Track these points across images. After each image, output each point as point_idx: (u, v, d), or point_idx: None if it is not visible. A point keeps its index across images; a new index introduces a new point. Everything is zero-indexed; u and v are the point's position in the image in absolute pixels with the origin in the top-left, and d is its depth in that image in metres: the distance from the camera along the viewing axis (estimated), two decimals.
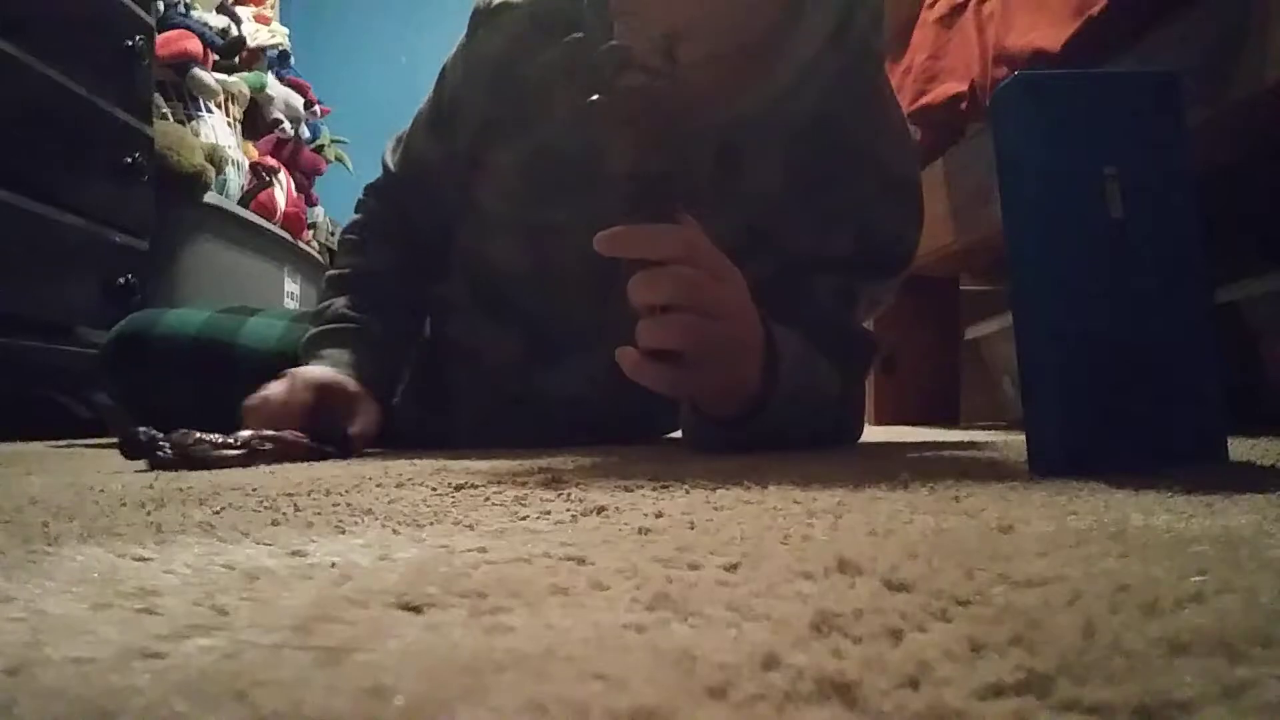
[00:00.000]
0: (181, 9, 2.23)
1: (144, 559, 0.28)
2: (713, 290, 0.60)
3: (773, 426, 0.69)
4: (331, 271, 1.02)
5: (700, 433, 0.77)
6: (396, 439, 1.05)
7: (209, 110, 2.19)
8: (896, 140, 0.88)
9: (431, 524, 0.35)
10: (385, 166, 1.03)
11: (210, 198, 2.03)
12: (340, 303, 0.96)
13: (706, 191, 0.83)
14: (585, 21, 0.83)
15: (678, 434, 1.20)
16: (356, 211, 1.06)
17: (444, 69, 0.97)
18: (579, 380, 0.94)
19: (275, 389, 0.80)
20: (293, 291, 2.47)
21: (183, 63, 2.12)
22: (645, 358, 0.60)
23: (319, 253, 2.69)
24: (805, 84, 0.79)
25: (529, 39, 0.88)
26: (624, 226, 0.59)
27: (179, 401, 1.03)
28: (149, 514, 0.38)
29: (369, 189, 1.05)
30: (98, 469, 0.68)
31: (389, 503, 0.42)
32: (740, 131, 0.82)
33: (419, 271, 1.01)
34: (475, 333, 0.99)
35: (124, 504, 0.42)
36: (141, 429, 0.70)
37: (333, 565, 0.26)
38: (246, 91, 2.36)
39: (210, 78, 2.19)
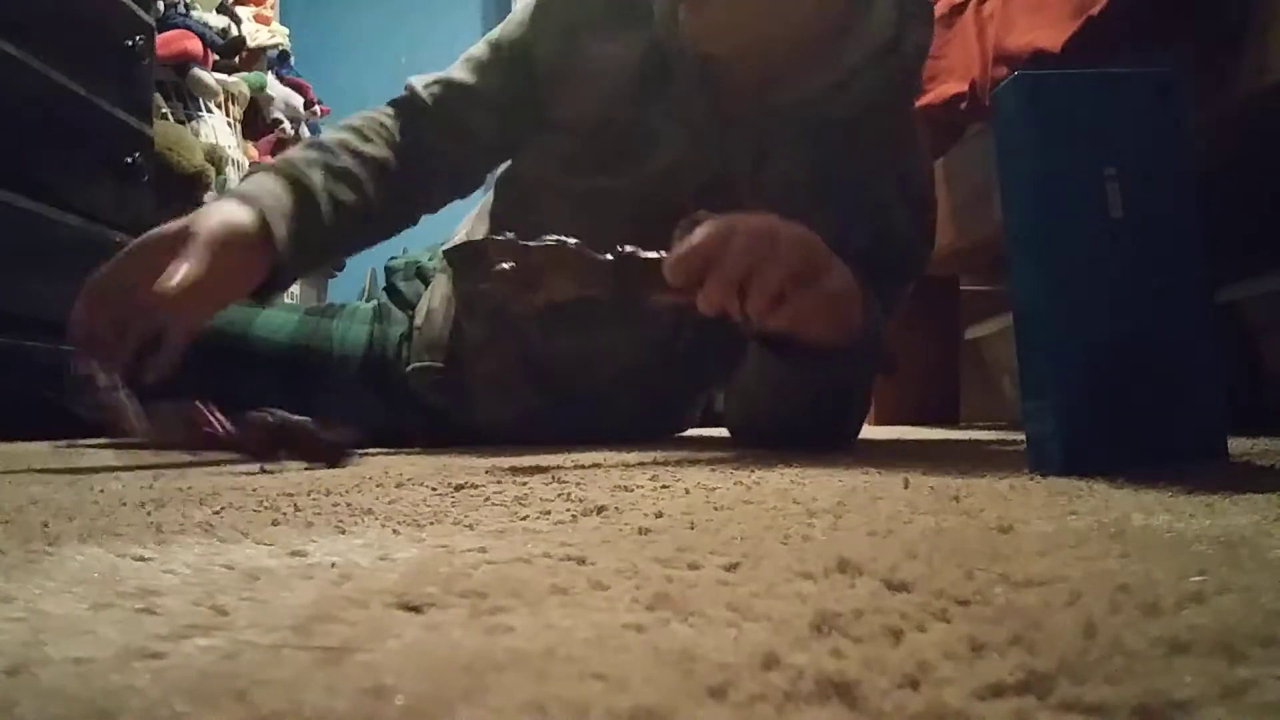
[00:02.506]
0: (181, 9, 2.23)
1: (144, 559, 0.28)
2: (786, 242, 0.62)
3: (862, 363, 0.72)
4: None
5: (786, 381, 0.77)
6: (412, 409, 1.05)
7: (209, 110, 2.19)
8: (920, 162, 0.93)
9: (431, 524, 0.35)
10: (412, 90, 0.96)
11: (210, 198, 2.03)
12: (297, 153, 0.88)
13: (739, 177, 0.86)
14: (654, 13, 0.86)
15: (684, 433, 1.20)
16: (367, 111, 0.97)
17: (510, 17, 0.97)
18: (599, 350, 0.95)
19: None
20: (292, 291, 2.47)
21: (183, 63, 2.12)
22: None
23: None
24: (845, 89, 0.83)
25: (600, 15, 0.90)
26: (679, 252, 0.60)
27: (190, 391, 1.02)
28: (149, 514, 0.38)
29: (391, 101, 0.97)
30: (98, 469, 0.68)
31: (389, 503, 0.42)
32: (778, 122, 0.85)
33: (398, 185, 0.92)
34: None
35: (124, 504, 0.42)
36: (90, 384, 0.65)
37: (333, 565, 0.26)
38: (246, 91, 2.36)
39: (210, 78, 2.19)
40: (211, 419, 0.65)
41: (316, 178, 0.84)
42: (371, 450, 0.94)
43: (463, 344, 1.01)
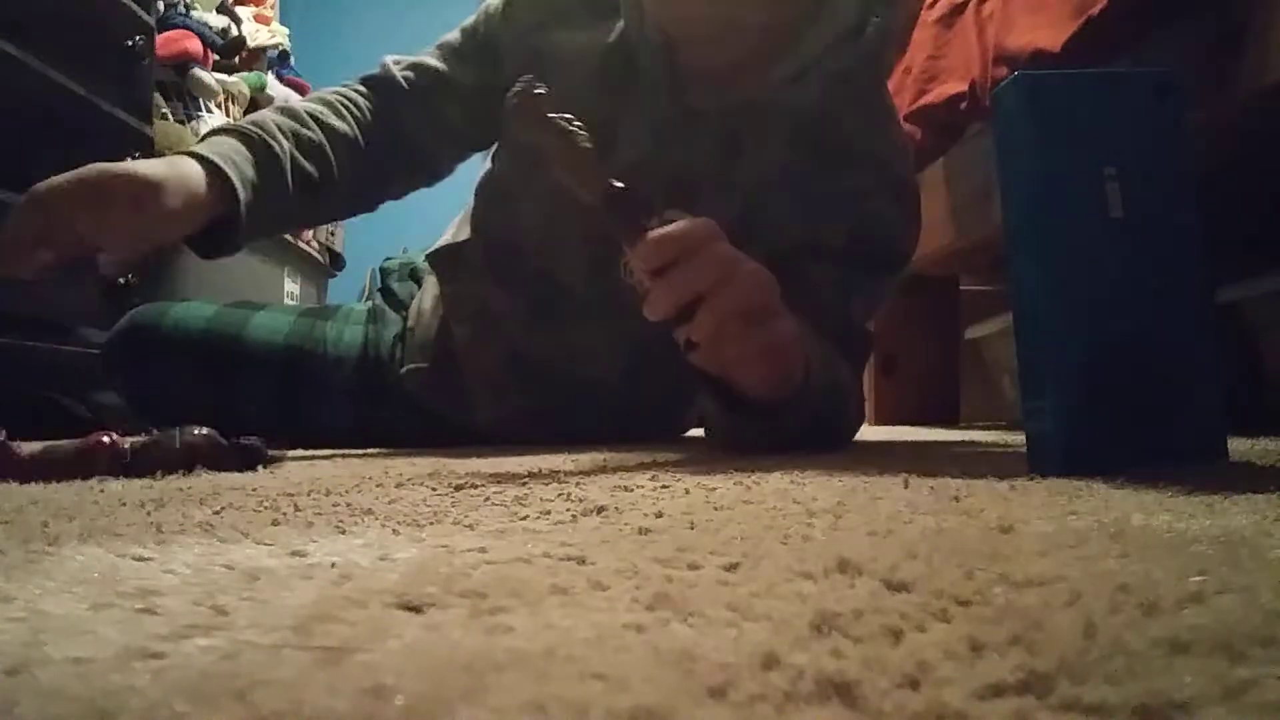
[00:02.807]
0: (181, 9, 2.23)
1: (144, 559, 0.28)
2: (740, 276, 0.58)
3: (807, 415, 0.68)
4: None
5: (731, 425, 0.75)
6: (408, 410, 1.05)
7: (209, 110, 2.19)
8: (896, 145, 0.90)
9: (431, 524, 0.35)
10: (387, 70, 0.97)
11: None
12: (268, 117, 0.88)
13: (706, 174, 0.85)
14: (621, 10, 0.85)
15: (684, 433, 1.20)
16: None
17: (485, 5, 0.97)
18: (584, 350, 0.95)
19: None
20: (292, 291, 2.47)
21: (183, 63, 2.12)
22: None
23: (319, 253, 2.70)
24: (811, 77, 0.82)
25: (570, 6, 0.91)
26: (652, 237, 0.57)
27: (186, 394, 1.03)
28: (149, 514, 0.38)
29: (364, 79, 0.97)
30: None
31: (389, 503, 0.42)
32: (743, 117, 0.84)
33: (364, 165, 0.92)
34: (483, 284, 0.98)
35: (124, 504, 0.42)
36: None
37: (333, 565, 0.26)
38: (246, 91, 2.36)
39: (210, 78, 2.19)
40: (106, 441, 0.63)
41: (284, 144, 0.85)
42: (370, 450, 0.94)
43: (452, 345, 1.02)
